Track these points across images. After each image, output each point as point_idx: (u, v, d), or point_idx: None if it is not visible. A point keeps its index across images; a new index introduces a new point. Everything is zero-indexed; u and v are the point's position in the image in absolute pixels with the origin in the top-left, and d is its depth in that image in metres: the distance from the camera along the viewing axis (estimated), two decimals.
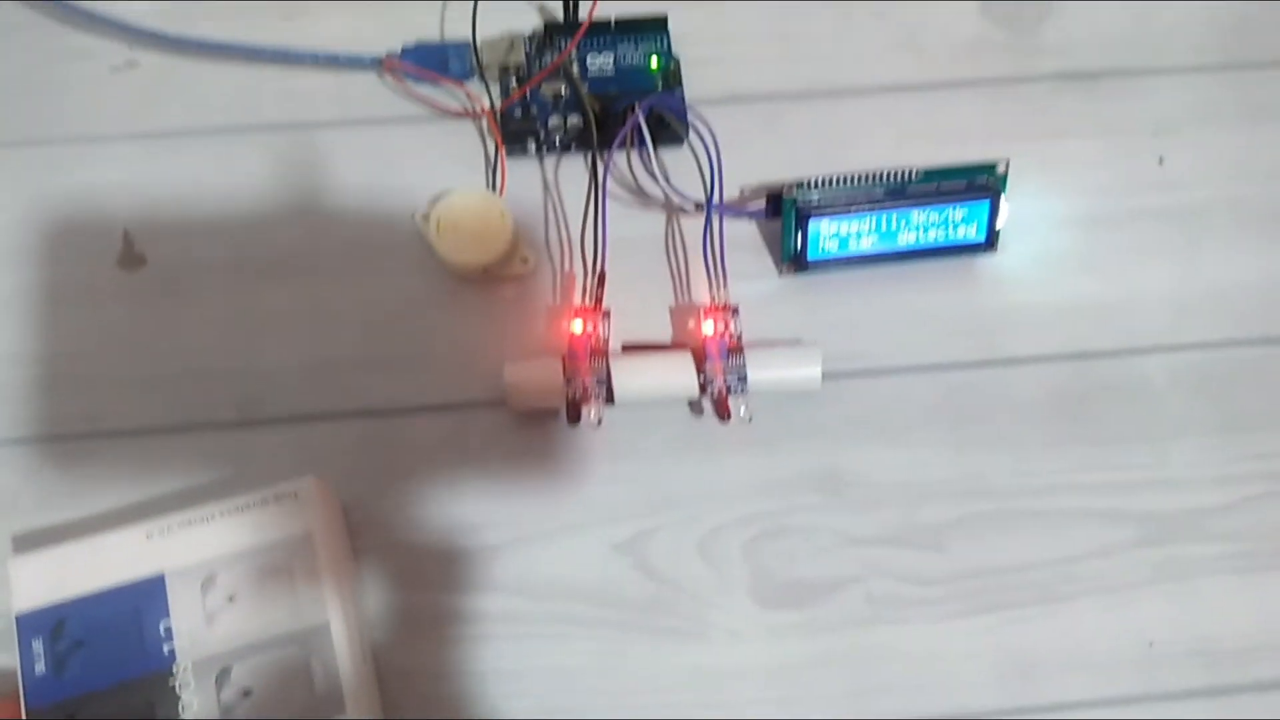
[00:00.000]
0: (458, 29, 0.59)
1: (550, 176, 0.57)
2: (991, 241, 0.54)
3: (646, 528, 0.51)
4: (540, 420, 0.52)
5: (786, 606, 0.50)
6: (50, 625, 0.44)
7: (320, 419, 0.52)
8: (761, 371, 0.51)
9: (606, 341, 0.51)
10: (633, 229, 0.55)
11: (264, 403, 0.52)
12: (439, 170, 0.56)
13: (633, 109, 0.54)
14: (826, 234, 0.53)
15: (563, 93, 0.57)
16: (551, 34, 0.58)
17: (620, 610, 0.49)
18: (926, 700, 0.48)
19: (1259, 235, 0.56)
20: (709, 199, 0.53)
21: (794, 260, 0.54)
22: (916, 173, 0.53)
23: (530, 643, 0.49)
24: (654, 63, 0.58)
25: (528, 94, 0.57)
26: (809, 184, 0.53)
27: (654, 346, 0.53)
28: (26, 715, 0.43)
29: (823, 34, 0.61)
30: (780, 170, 0.55)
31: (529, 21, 0.60)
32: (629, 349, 0.53)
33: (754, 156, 0.56)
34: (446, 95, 0.58)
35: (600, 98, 0.56)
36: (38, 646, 0.43)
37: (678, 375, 0.51)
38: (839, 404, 0.53)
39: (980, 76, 0.60)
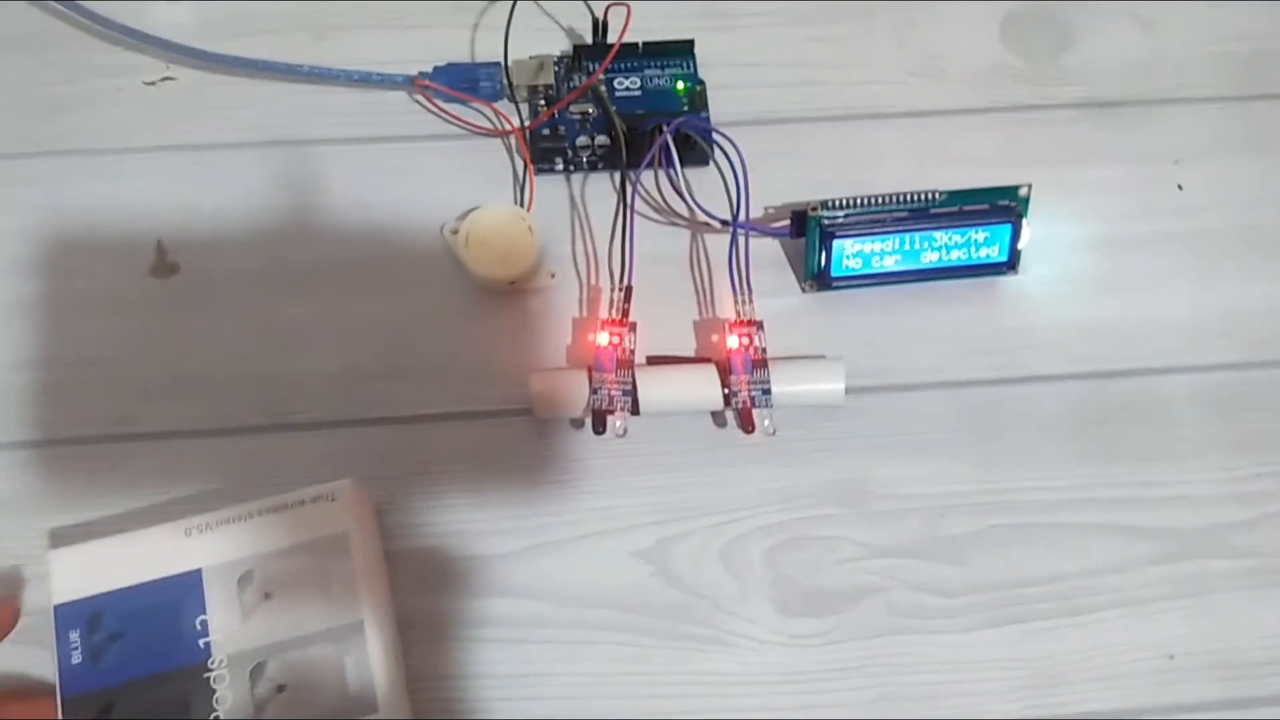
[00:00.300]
0: (487, 51, 0.60)
1: (577, 194, 0.58)
2: (1013, 262, 0.55)
3: (669, 535, 0.51)
4: (565, 430, 0.53)
5: (808, 615, 0.50)
6: (88, 617, 0.44)
7: (348, 425, 0.53)
8: (785, 385, 0.52)
9: (632, 353, 0.52)
10: (658, 246, 0.56)
11: (292, 409, 0.53)
12: (468, 187, 0.57)
13: (660, 129, 0.55)
14: (850, 253, 0.54)
15: (590, 113, 0.58)
16: (580, 56, 0.59)
17: (642, 617, 0.50)
18: (947, 710, 0.48)
19: (1274, 261, 0.57)
20: (735, 215, 0.54)
21: (817, 278, 0.55)
22: (940, 194, 0.54)
23: (553, 648, 0.49)
24: (680, 85, 0.59)
25: (556, 114, 0.58)
26: (833, 203, 0.54)
27: (678, 359, 0.54)
28: (62, 704, 0.43)
29: (845, 60, 0.62)
30: (802, 192, 0.56)
31: (558, 44, 0.61)
32: (654, 361, 0.53)
33: (776, 178, 0.57)
34: (476, 115, 0.59)
35: (627, 118, 0.57)
36: (74, 637, 0.44)
37: (702, 387, 0.52)
38: (861, 418, 0.53)
39: (1000, 103, 0.61)
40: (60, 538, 0.49)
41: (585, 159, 0.58)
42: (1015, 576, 0.51)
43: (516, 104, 0.59)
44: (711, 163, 0.58)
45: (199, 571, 0.45)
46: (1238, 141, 0.60)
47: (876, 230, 0.54)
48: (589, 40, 0.60)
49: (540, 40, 0.61)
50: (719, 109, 0.59)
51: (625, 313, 0.52)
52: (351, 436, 0.53)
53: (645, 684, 0.49)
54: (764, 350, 0.52)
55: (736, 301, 0.53)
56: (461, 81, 0.58)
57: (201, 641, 0.44)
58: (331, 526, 0.46)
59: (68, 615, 0.44)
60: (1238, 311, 0.56)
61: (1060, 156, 0.59)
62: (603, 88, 0.59)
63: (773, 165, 0.57)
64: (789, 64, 0.62)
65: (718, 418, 0.53)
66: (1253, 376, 0.55)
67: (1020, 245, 0.55)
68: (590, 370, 0.52)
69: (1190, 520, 0.52)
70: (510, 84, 0.59)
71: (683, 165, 0.57)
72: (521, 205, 0.57)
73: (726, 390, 0.52)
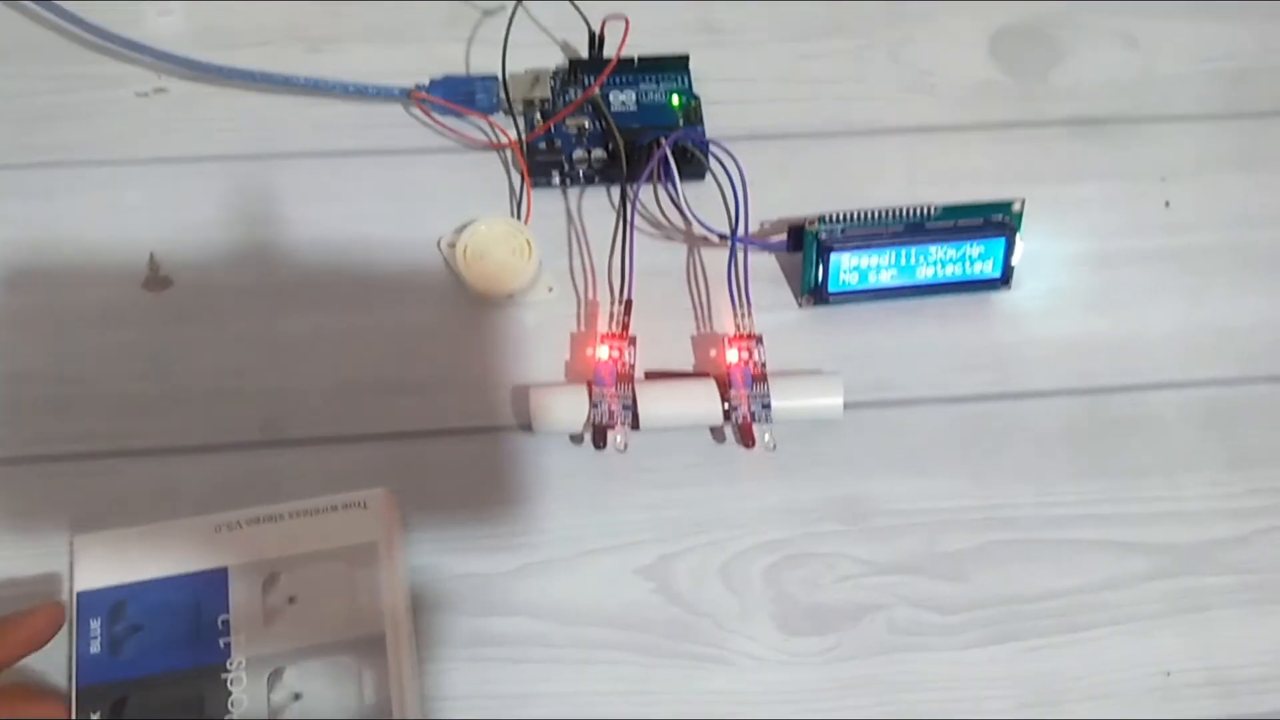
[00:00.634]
0: (483, 65, 0.60)
1: (574, 208, 0.58)
2: (1007, 278, 0.56)
3: (670, 552, 0.51)
4: (564, 445, 0.53)
5: (809, 633, 0.50)
6: (110, 606, 0.44)
7: (345, 441, 0.52)
8: (785, 400, 0.52)
9: (632, 367, 0.52)
10: (656, 260, 0.56)
11: (288, 424, 0.53)
12: (464, 201, 0.57)
13: (658, 142, 0.55)
14: (847, 267, 0.54)
15: (587, 127, 0.58)
16: (576, 70, 0.59)
17: (643, 634, 0.50)
18: None
19: (1263, 278, 0.58)
20: (734, 229, 0.54)
21: (814, 292, 0.55)
22: (935, 209, 0.54)
23: (553, 666, 0.49)
24: (675, 100, 0.59)
25: (552, 128, 0.58)
26: (830, 218, 0.54)
27: (677, 374, 0.54)
28: (77, 693, 0.43)
29: (839, 76, 0.62)
30: (796, 207, 0.56)
31: (553, 59, 0.61)
32: (652, 376, 0.53)
33: (771, 193, 0.57)
34: (472, 128, 0.59)
35: (624, 132, 0.57)
36: (95, 626, 0.44)
37: (702, 402, 0.52)
38: (859, 433, 0.53)
39: (991, 120, 0.61)
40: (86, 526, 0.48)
41: (582, 173, 0.58)
42: (1014, 593, 0.51)
43: (513, 117, 0.58)
44: (708, 176, 0.58)
45: (225, 570, 0.45)
46: (1224, 159, 0.61)
47: (873, 245, 0.54)
48: (584, 55, 0.60)
49: (535, 55, 0.61)
50: (714, 124, 0.59)
51: (625, 326, 0.52)
52: (349, 452, 0.52)
53: (646, 702, 0.49)
54: (763, 365, 0.52)
55: (736, 315, 0.53)
56: (458, 94, 0.58)
57: (222, 641, 0.44)
58: (362, 535, 0.46)
59: (90, 603, 0.44)
60: (1229, 327, 0.57)
61: (1050, 173, 0.60)
62: (601, 100, 0.58)
63: (767, 181, 0.57)
64: (783, 80, 0.62)
65: (717, 433, 0.53)
66: (1244, 392, 0.55)
67: (1014, 260, 0.55)
68: (590, 385, 0.51)
69: (1185, 536, 0.52)
70: (507, 97, 0.58)
71: (680, 179, 0.57)
72: (518, 219, 0.56)
73: (726, 405, 0.51)
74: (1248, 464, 0.54)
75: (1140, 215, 0.59)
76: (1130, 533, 0.52)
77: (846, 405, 0.52)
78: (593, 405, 0.51)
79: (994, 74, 0.63)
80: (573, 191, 0.58)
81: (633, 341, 0.52)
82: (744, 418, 0.51)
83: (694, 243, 0.57)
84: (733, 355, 0.52)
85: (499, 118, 0.59)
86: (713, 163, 0.57)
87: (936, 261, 0.55)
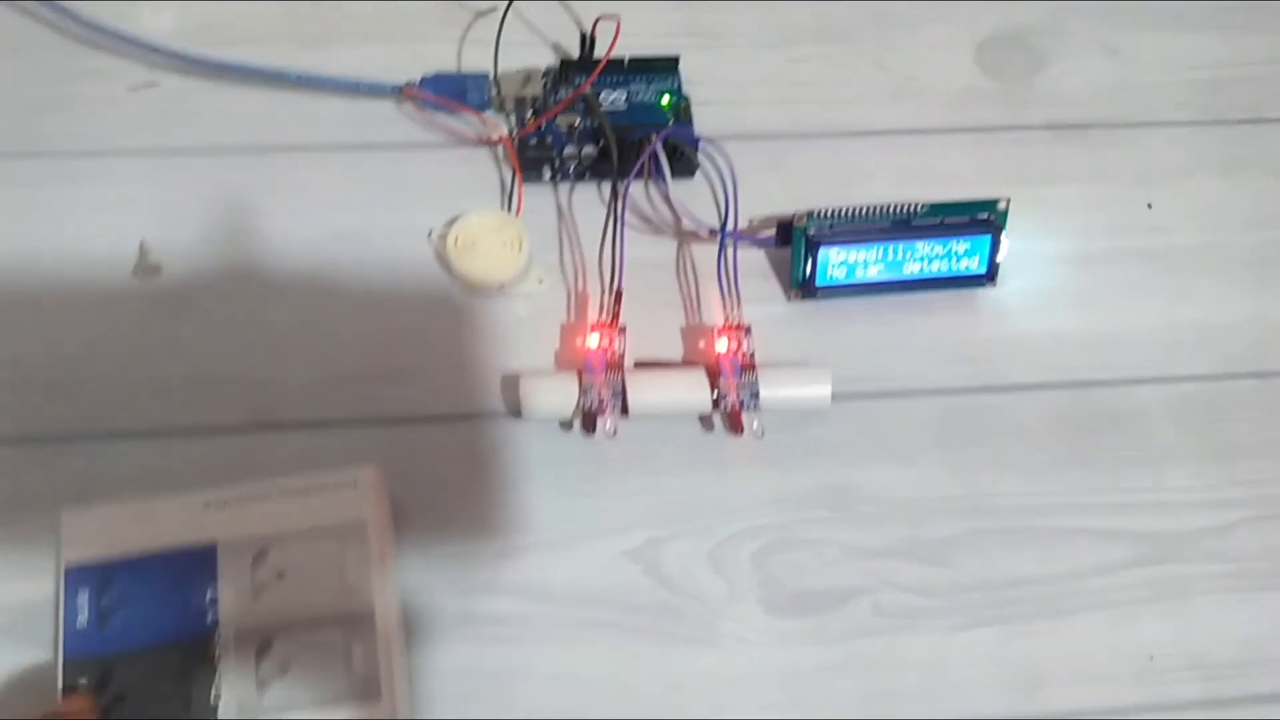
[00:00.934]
0: (474, 64, 0.61)
1: (564, 203, 0.59)
2: (992, 274, 0.56)
3: (658, 536, 0.51)
4: (554, 432, 0.53)
5: (796, 615, 0.50)
6: (97, 580, 0.44)
7: (333, 426, 0.53)
8: (773, 389, 0.52)
9: (622, 356, 0.52)
10: (645, 255, 0.57)
11: (277, 409, 0.53)
12: (455, 195, 0.58)
13: (649, 139, 0.56)
14: (835, 262, 0.55)
15: (577, 125, 0.59)
16: (567, 70, 0.60)
17: (631, 616, 0.50)
18: (933, 707, 0.49)
19: (1242, 278, 0.59)
20: (724, 221, 0.55)
21: (802, 287, 0.56)
22: (922, 207, 0.55)
23: (542, 646, 0.49)
24: (665, 100, 0.60)
25: (543, 125, 0.59)
26: (819, 214, 0.55)
27: (666, 364, 0.54)
28: (64, 666, 0.43)
29: (826, 79, 0.63)
30: (784, 206, 0.56)
31: (544, 58, 0.62)
32: (642, 366, 0.54)
33: (759, 192, 0.58)
34: (464, 124, 0.60)
35: (614, 130, 0.58)
36: (82, 599, 0.43)
37: (691, 390, 0.52)
38: (846, 424, 0.54)
39: (975, 124, 0.63)
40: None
41: (572, 169, 0.58)
42: (998, 578, 0.51)
43: (505, 114, 0.59)
44: (697, 175, 0.59)
45: (214, 545, 0.45)
46: (1204, 164, 0.62)
47: (861, 240, 0.55)
48: (576, 56, 0.61)
49: (527, 55, 0.61)
50: (702, 124, 0.60)
51: (615, 315, 0.53)
52: (337, 437, 0.52)
53: (634, 683, 0.49)
54: (752, 354, 0.53)
55: (725, 306, 0.54)
56: (449, 91, 0.59)
57: (210, 615, 0.44)
58: (351, 513, 0.46)
59: (77, 576, 0.44)
60: (1209, 325, 0.58)
61: (1033, 175, 0.61)
62: (592, 97, 0.59)
63: (755, 180, 0.58)
64: (771, 83, 0.63)
65: (705, 422, 0.54)
66: (1225, 387, 0.56)
67: (999, 258, 0.56)
68: (580, 373, 0.52)
69: (1167, 525, 0.53)
70: (499, 94, 0.59)
71: (670, 176, 0.57)
72: (510, 212, 0.57)
73: (715, 393, 0.52)
74: (1229, 457, 0.54)
75: (1122, 216, 0.60)
76: (1113, 522, 0.53)
77: (834, 396, 0.53)
78: (582, 392, 0.51)
79: (978, 80, 0.64)
80: (563, 187, 0.59)
81: (623, 330, 0.53)
82: (732, 405, 0.52)
83: (683, 238, 0.58)
84: (722, 345, 0.53)
85: (491, 115, 0.60)
86: (702, 162, 0.58)
87: (923, 258, 0.56)
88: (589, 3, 0.60)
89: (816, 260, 0.55)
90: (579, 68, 0.60)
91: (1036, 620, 0.51)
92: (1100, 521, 0.53)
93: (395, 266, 0.56)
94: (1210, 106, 0.64)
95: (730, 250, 0.54)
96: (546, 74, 0.61)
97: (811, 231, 0.55)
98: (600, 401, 0.51)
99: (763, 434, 0.52)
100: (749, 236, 0.57)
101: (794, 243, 0.55)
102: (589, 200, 0.59)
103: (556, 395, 0.52)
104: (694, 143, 0.57)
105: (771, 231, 0.56)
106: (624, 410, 0.52)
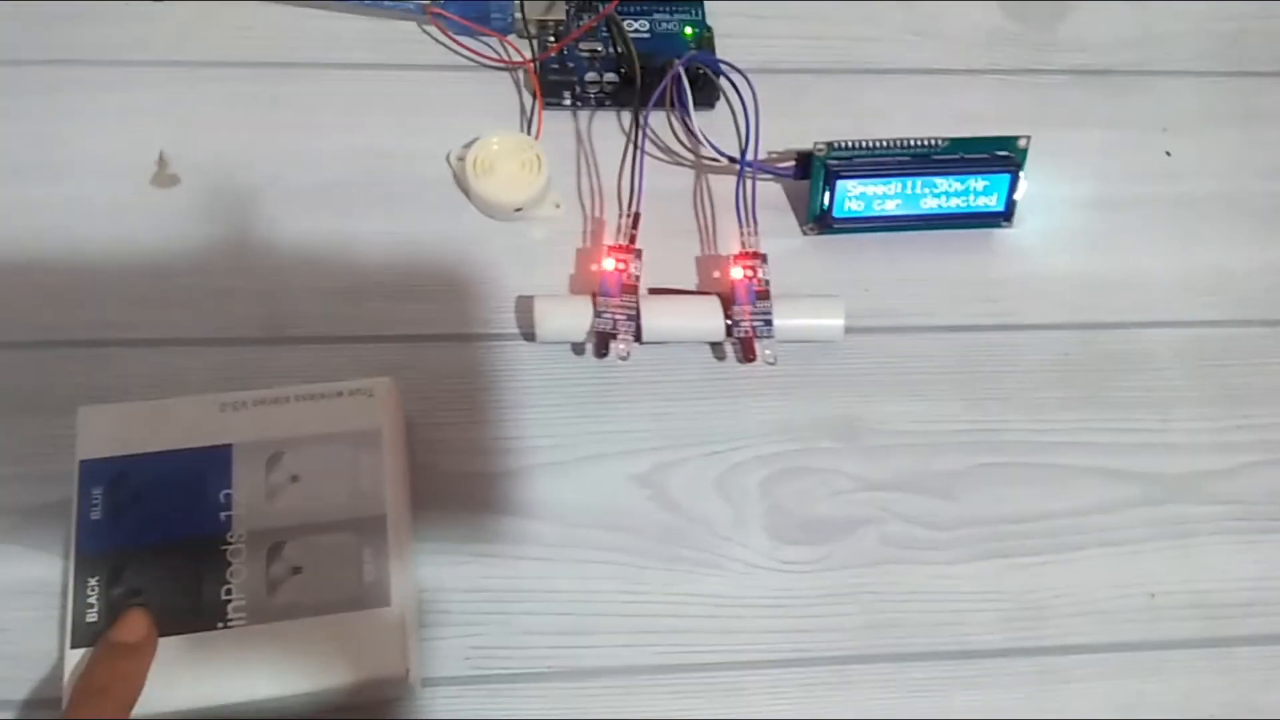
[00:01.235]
0: None
1: (584, 129, 0.59)
2: (1009, 213, 0.57)
3: (666, 461, 0.51)
4: (566, 355, 0.53)
5: (801, 543, 0.51)
6: (112, 475, 0.44)
7: (346, 341, 0.53)
8: (787, 318, 0.52)
9: (638, 279, 0.52)
10: (664, 184, 0.57)
11: (290, 324, 0.53)
12: (475, 118, 0.58)
13: (671, 63, 0.56)
14: (852, 194, 0.55)
15: (600, 51, 0.59)
16: None
17: (637, 537, 0.50)
18: (936, 636, 0.49)
19: (1258, 227, 0.59)
20: (743, 150, 0.55)
21: (819, 219, 0.56)
22: (942, 141, 0.55)
23: (549, 564, 0.49)
24: (688, 30, 0.60)
25: (565, 50, 0.58)
26: (839, 145, 0.55)
27: (681, 291, 0.54)
28: (76, 558, 0.43)
29: (850, 16, 0.63)
30: (803, 141, 0.56)
31: None
32: (656, 293, 0.54)
33: (779, 125, 0.57)
34: (486, 47, 0.60)
35: (638, 57, 0.58)
36: (97, 494, 0.44)
37: (705, 317, 0.52)
38: (858, 357, 0.54)
39: (997, 66, 0.63)
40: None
41: (593, 95, 0.58)
42: (1003, 513, 0.52)
43: (528, 38, 0.59)
44: (718, 106, 0.59)
45: (229, 447, 0.45)
46: (1224, 114, 0.62)
47: (879, 173, 0.55)
48: None
49: None
50: (724, 55, 0.60)
51: (632, 239, 0.53)
52: (350, 352, 0.53)
53: (640, 603, 0.49)
54: (767, 282, 0.53)
55: (742, 234, 0.54)
56: (473, 12, 0.59)
57: (223, 515, 0.44)
58: (367, 421, 0.46)
59: (92, 471, 0.44)
60: (1223, 272, 0.58)
61: (1054, 118, 0.61)
62: (617, 19, 0.59)
63: (776, 113, 0.57)
64: (795, 18, 0.63)
65: (718, 350, 0.54)
66: (1236, 334, 0.56)
67: (1017, 196, 0.56)
68: (594, 295, 0.52)
69: (1173, 466, 0.53)
70: (523, 17, 0.59)
71: (692, 103, 0.57)
72: (529, 135, 0.57)
73: (729, 320, 0.52)
74: (1237, 401, 0.55)
75: (1141, 163, 0.60)
76: (1119, 461, 0.53)
77: (847, 330, 0.53)
78: (597, 314, 0.52)
79: (1002, 23, 0.64)
80: (583, 114, 0.59)
81: (639, 254, 0.53)
82: (746, 332, 0.52)
83: (702, 169, 0.58)
84: (737, 272, 0.53)
85: (513, 39, 0.60)
86: (723, 93, 0.58)
87: (941, 194, 0.56)
88: None
89: (835, 192, 0.55)
90: None
91: (1040, 555, 0.51)
92: (1106, 460, 0.53)
93: (413, 186, 0.56)
94: (1232, 57, 0.64)
95: (749, 179, 0.54)
96: None
97: (831, 162, 0.55)
98: (614, 324, 0.52)
99: (775, 361, 0.52)
100: (768, 166, 0.57)
101: (812, 174, 0.55)
102: (609, 129, 0.59)
103: (570, 317, 0.52)
104: (715, 67, 0.57)
105: (791, 163, 0.56)
106: (637, 336, 0.52)
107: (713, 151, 0.56)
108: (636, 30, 0.60)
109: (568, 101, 0.59)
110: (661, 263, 0.55)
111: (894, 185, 0.55)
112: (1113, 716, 0.48)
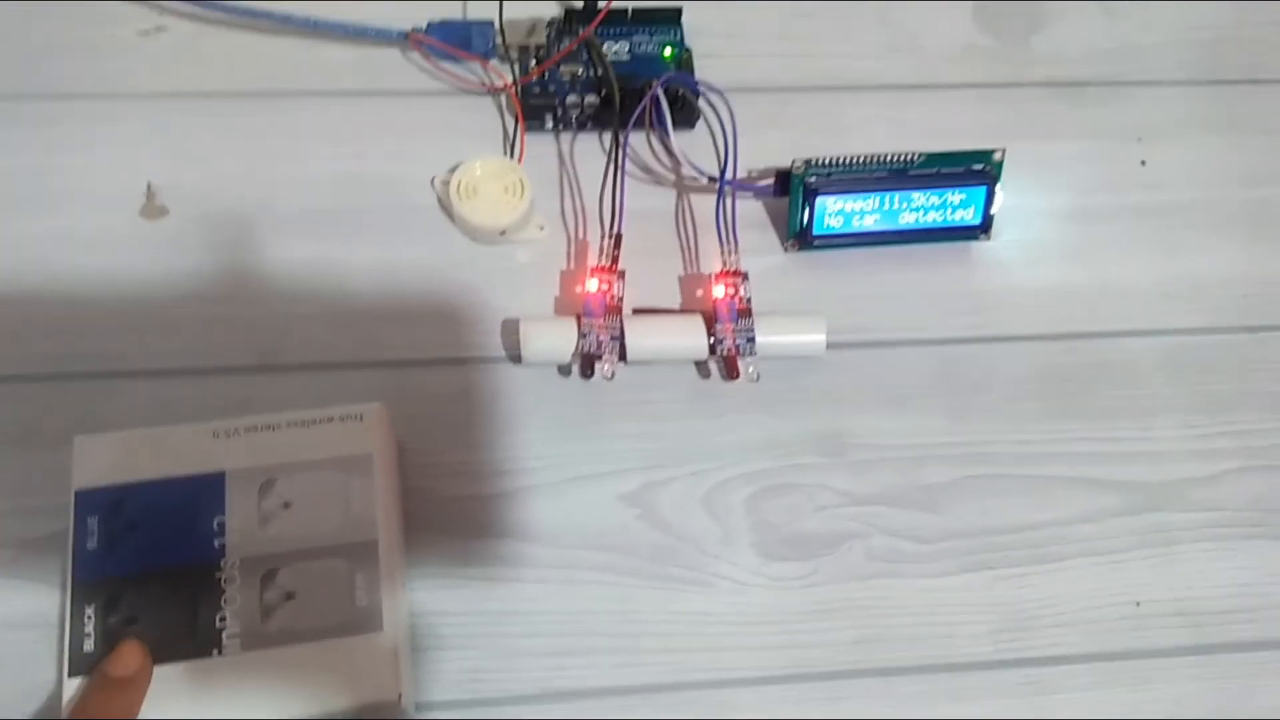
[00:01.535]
0: (479, 10, 0.61)
1: (566, 151, 0.59)
2: (986, 226, 0.57)
3: (654, 480, 0.52)
4: (553, 376, 0.54)
5: (789, 559, 0.51)
6: (107, 504, 0.45)
7: (337, 368, 0.53)
8: (769, 335, 0.53)
9: (621, 300, 0.53)
10: (645, 204, 0.58)
11: (282, 351, 0.53)
12: (459, 142, 0.58)
13: (650, 85, 0.57)
14: (831, 211, 0.56)
15: (580, 74, 0.59)
16: (571, 19, 0.60)
17: (627, 557, 0.51)
18: (923, 650, 0.50)
19: (1234, 234, 0.60)
20: (723, 169, 0.55)
21: (799, 236, 0.57)
22: (918, 157, 0.56)
23: (540, 586, 0.50)
24: (667, 52, 0.61)
25: (546, 74, 0.59)
26: (817, 162, 0.55)
27: (664, 311, 0.55)
28: (72, 587, 0.43)
29: (827, 33, 0.64)
30: (783, 158, 0.56)
31: (548, 8, 0.62)
32: (640, 312, 0.55)
33: (759, 143, 0.58)
34: (468, 72, 0.60)
35: (617, 79, 0.58)
36: (93, 523, 0.44)
37: (688, 335, 0.53)
38: (841, 372, 0.55)
39: (974, 80, 0.63)
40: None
41: (574, 118, 0.59)
42: (988, 525, 0.52)
43: (509, 63, 0.60)
44: (698, 126, 0.59)
45: (223, 474, 0.46)
46: (1198, 123, 0.63)
47: (857, 189, 0.55)
48: (579, 5, 0.61)
49: (531, 5, 0.62)
50: (704, 77, 0.60)
51: (615, 260, 0.53)
52: (340, 378, 0.53)
53: (630, 622, 0.50)
54: (749, 300, 0.53)
55: (723, 252, 0.54)
56: (455, 38, 0.59)
57: (217, 542, 0.44)
58: (358, 446, 0.47)
59: (88, 501, 0.45)
60: (1200, 279, 0.58)
61: (1030, 131, 0.62)
62: (596, 42, 0.60)
63: (755, 131, 0.58)
64: (773, 37, 0.64)
65: (702, 369, 0.55)
66: (1215, 340, 0.57)
67: (994, 209, 0.57)
68: (579, 317, 0.53)
69: (1155, 475, 0.54)
70: (503, 42, 0.60)
71: (671, 124, 0.58)
72: (512, 158, 0.58)
73: (712, 339, 0.53)
74: (1217, 408, 0.55)
75: (1117, 173, 0.61)
76: (1102, 470, 0.54)
77: (829, 345, 0.54)
78: (581, 336, 0.52)
79: (977, 38, 0.65)
80: (565, 136, 0.60)
81: (622, 275, 0.53)
82: (729, 350, 0.53)
83: (683, 188, 0.59)
84: (719, 290, 0.54)
85: (495, 63, 0.60)
86: (703, 113, 0.58)
87: (919, 208, 0.56)
88: None
89: (814, 209, 0.55)
90: (583, 17, 0.60)
91: (1026, 566, 0.52)
92: (1089, 470, 0.54)
93: (399, 212, 0.57)
94: (1208, 67, 0.65)
95: (729, 197, 0.55)
96: (551, 23, 0.61)
97: (809, 179, 0.55)
98: (599, 344, 0.52)
99: (758, 378, 0.53)
100: (748, 184, 0.58)
101: (792, 191, 0.56)
102: (590, 150, 0.59)
103: (556, 339, 0.52)
104: (694, 88, 0.58)
105: (770, 181, 0.57)
106: (622, 356, 0.52)
107: (693, 171, 0.57)
108: (616, 53, 0.60)
109: (549, 124, 0.59)
110: (645, 283, 0.55)
111: (872, 201, 0.56)
112: None
